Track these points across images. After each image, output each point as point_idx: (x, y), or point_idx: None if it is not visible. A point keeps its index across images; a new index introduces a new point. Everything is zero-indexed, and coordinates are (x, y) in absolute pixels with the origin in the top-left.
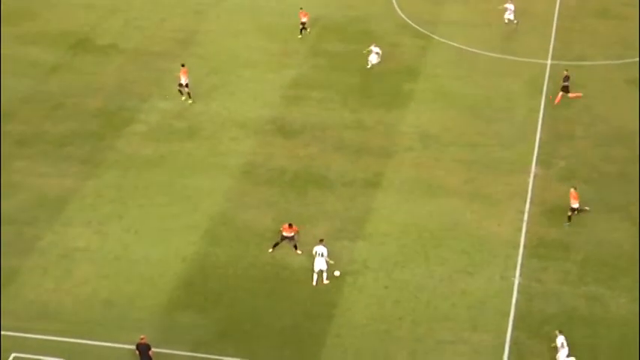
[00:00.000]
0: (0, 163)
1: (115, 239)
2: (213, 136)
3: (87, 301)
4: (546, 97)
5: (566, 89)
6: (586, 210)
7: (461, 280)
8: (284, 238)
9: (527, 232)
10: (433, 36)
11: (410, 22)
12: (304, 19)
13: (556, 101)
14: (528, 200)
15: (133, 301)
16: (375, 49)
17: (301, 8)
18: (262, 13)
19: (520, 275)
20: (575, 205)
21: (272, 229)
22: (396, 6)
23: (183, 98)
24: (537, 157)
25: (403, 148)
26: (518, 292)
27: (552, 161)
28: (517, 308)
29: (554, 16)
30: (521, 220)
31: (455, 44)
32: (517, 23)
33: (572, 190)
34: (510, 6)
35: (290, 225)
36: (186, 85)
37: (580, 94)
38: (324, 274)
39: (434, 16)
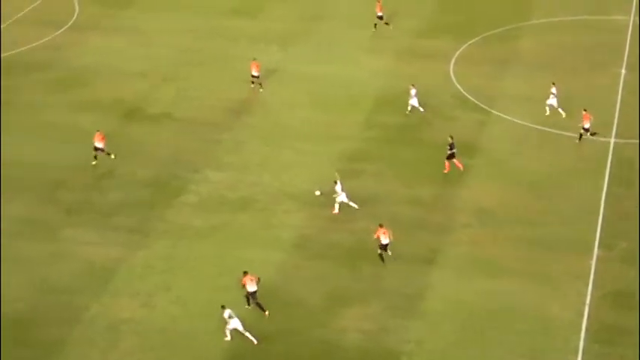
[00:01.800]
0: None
1: (162, 311)
2: (266, 208)
3: None
4: (610, 174)
5: (451, 156)
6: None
7: None
8: (249, 293)
9: (588, 315)
10: (492, 110)
11: (468, 96)
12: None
13: (445, 170)
14: (590, 282)
15: None
16: (413, 91)
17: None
18: (318, 84)
19: None
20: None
21: (323, 305)
22: (453, 78)
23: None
24: (599, 237)
25: (459, 224)
26: None
27: (615, 242)
28: None
29: (618, 93)
30: (583, 302)
31: (514, 119)
32: (563, 109)
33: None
34: (553, 90)
35: (245, 273)
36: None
37: (461, 166)
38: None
39: (493, 89)
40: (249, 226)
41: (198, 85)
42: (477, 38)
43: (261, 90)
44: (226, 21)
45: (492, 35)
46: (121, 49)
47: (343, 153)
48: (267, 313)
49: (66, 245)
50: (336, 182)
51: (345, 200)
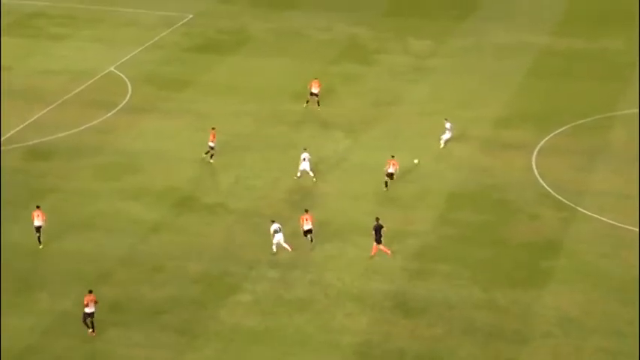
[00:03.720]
0: None
1: None
2: (326, 311)
3: None
4: None
5: (378, 241)
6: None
7: None
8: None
9: None
10: (578, 208)
11: (552, 192)
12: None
13: (372, 253)
14: None
15: None
16: (448, 124)
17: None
18: (384, 176)
19: None
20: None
21: None
22: (537, 173)
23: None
24: None
25: (540, 333)
26: None
27: None
28: None
29: None
30: None
31: (602, 218)
32: None
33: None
34: None
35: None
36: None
37: (389, 252)
38: None
39: (580, 184)
40: (306, 330)
41: (257, 174)
42: (562, 128)
43: (314, 179)
44: (289, 105)
45: (579, 125)
46: (176, 133)
47: (413, 251)
48: None
49: (107, 346)
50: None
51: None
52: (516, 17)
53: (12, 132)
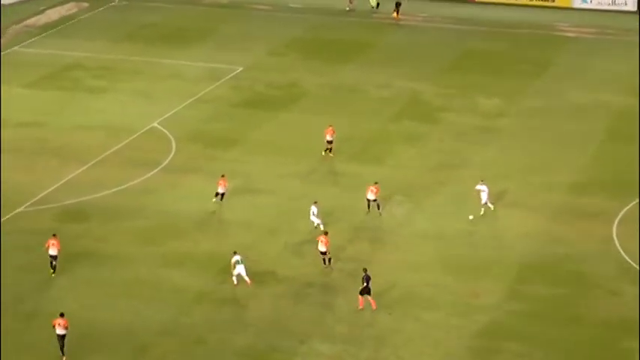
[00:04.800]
0: None
1: None
2: None
3: None
4: None
5: (366, 291)
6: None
7: None
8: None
9: None
10: None
11: (634, 266)
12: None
13: (359, 307)
14: None
15: None
16: (481, 187)
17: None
18: (449, 244)
19: None
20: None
21: None
22: (618, 245)
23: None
24: None
25: None
26: None
27: None
28: None
29: None
30: None
31: None
32: None
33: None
34: None
35: None
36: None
37: (373, 304)
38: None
39: None
40: None
41: (309, 240)
42: None
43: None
44: (344, 166)
45: None
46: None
47: (479, 327)
48: None
49: None
50: None
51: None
52: (592, 75)
53: (45, 192)
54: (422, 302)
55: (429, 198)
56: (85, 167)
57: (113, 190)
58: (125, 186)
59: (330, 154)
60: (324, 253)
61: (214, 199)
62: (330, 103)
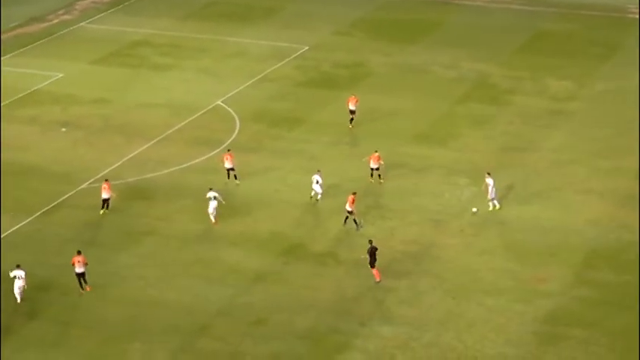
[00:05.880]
0: None
1: None
2: None
3: None
4: None
5: (372, 264)
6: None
7: None
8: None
9: None
10: None
11: None
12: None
13: (378, 278)
14: None
15: None
16: (488, 180)
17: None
18: (513, 229)
19: None
20: (349, 209)
21: None
22: None
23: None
24: None
25: None
26: None
27: None
28: None
29: None
30: None
31: None
32: None
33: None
34: None
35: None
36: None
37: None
38: None
39: None
40: None
41: (371, 221)
42: None
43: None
44: (410, 148)
45: None
46: (285, 175)
47: (544, 313)
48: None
49: None
50: None
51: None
52: None
53: (109, 169)
54: (485, 287)
55: (495, 182)
56: (148, 145)
57: (176, 168)
58: (188, 164)
59: (350, 125)
60: (350, 212)
61: (227, 180)
62: (396, 83)
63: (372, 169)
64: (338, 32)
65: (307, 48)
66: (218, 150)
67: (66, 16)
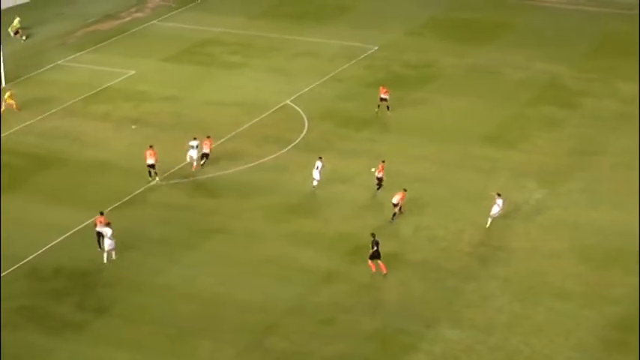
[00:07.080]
0: None
1: None
2: None
3: None
4: None
5: (376, 255)
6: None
7: None
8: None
9: None
10: None
11: None
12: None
13: (372, 271)
14: None
15: None
16: (498, 200)
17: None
18: (583, 232)
19: None
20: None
21: None
22: None
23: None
24: None
25: None
26: None
27: None
28: None
29: None
30: None
31: None
32: None
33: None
34: None
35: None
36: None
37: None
38: None
39: None
40: None
41: (440, 223)
42: None
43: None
44: (478, 149)
45: None
46: (353, 174)
47: (612, 320)
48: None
49: None
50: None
51: None
52: None
53: (179, 166)
54: (553, 291)
55: (564, 184)
56: (218, 143)
57: (245, 166)
58: (257, 163)
59: (377, 110)
60: (395, 205)
61: (202, 161)
62: (466, 84)
63: (377, 178)
64: (409, 32)
65: (377, 48)
66: (287, 149)
67: (138, 14)
